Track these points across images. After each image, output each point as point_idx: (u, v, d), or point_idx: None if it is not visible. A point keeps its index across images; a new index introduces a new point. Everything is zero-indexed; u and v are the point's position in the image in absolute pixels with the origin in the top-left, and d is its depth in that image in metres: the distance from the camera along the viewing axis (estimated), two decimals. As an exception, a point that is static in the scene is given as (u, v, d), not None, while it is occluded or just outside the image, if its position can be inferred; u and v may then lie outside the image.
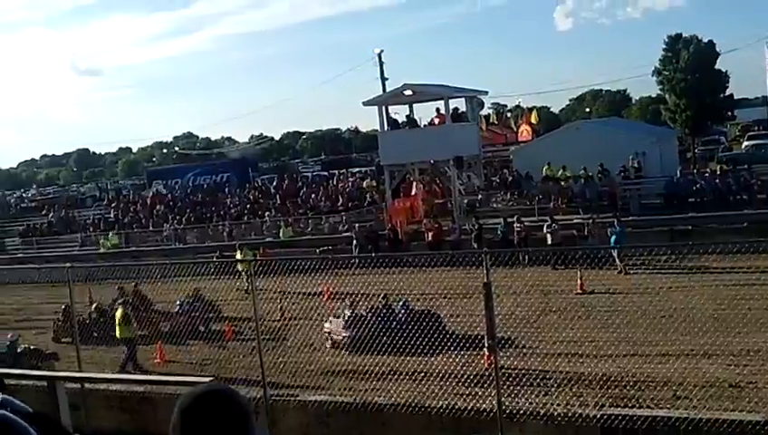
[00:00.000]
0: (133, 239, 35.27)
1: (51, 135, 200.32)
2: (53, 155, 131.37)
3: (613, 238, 20.91)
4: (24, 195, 69.16)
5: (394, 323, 14.36)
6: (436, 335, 11.99)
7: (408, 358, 12.21)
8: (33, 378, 9.34)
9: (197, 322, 15.65)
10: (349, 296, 15.82)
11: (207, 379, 7.81)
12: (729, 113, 44.99)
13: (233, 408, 2.15)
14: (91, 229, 37.95)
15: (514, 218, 24.75)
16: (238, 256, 22.69)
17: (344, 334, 14.53)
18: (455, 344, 12.08)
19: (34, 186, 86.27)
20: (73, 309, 11.90)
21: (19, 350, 14.90)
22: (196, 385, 6.25)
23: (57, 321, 17.09)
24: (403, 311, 14.54)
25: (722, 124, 49.55)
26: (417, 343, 11.74)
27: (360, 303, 15.47)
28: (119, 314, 14.93)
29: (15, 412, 2.39)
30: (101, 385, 10.11)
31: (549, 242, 22.48)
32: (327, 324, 15.08)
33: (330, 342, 14.81)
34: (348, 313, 15.03)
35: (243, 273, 18.86)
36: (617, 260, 19.14)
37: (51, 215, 43.29)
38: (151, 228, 36.19)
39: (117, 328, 14.78)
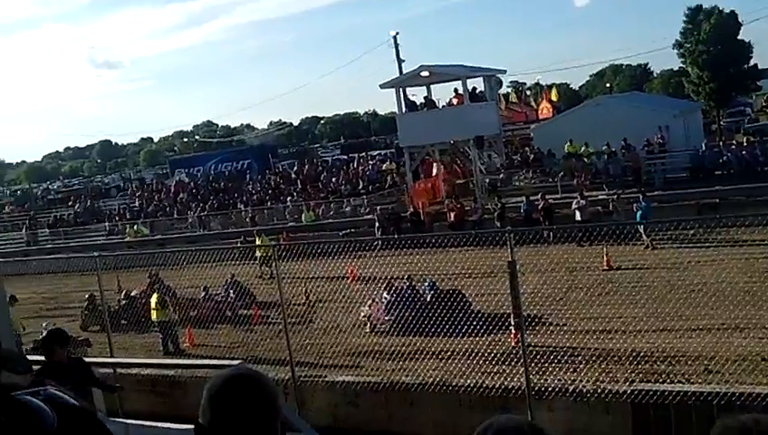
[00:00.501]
0: (158, 227, 35.58)
1: (73, 128, 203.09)
2: (76, 147, 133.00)
3: (639, 214, 20.67)
4: (49, 187, 70.09)
5: (418, 304, 14.37)
6: (462, 314, 11.97)
7: (434, 338, 12.21)
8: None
9: (224, 307, 15.80)
10: (375, 280, 15.72)
11: (236, 362, 7.87)
12: (754, 84, 44.13)
13: (260, 391, 2.16)
14: (117, 219, 38.37)
15: (539, 196, 24.53)
16: (257, 242, 22.77)
17: (385, 318, 14.28)
18: (482, 323, 12.04)
19: (60, 178, 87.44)
20: (103, 296, 12.04)
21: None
22: (225, 368, 6.31)
23: (84, 310, 17.34)
24: (431, 291, 14.44)
25: (747, 95, 48.68)
26: (447, 323, 11.72)
27: (395, 285, 15.19)
28: (154, 298, 15.24)
29: (58, 404, 2.40)
30: (133, 369, 10.25)
31: (578, 218, 22.19)
32: (365, 308, 14.75)
33: (369, 326, 14.43)
34: (387, 296, 14.71)
35: (260, 258, 19.05)
36: (643, 235, 18.91)
37: (77, 206, 43.86)
38: (176, 216, 36.52)
39: (153, 312, 15.08)
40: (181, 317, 15.61)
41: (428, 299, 14.23)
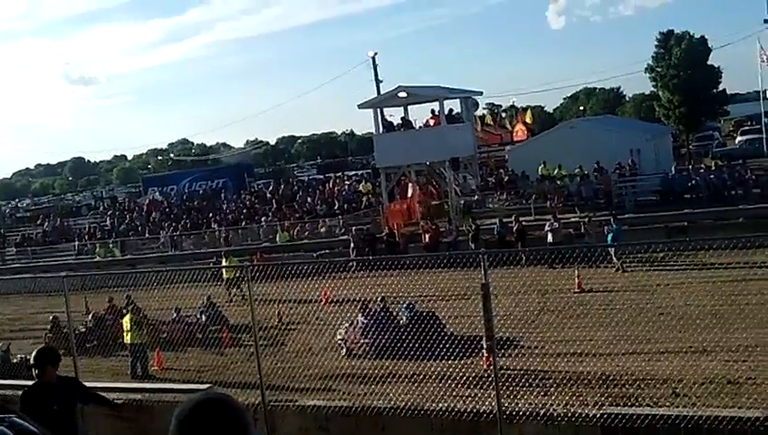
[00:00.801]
0: (129, 247, 35.17)
1: (45, 144, 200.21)
2: (48, 164, 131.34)
3: (610, 236, 20.91)
4: (18, 205, 69.03)
5: (392, 326, 14.32)
6: (437, 337, 11.95)
7: (408, 362, 12.17)
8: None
9: (195, 329, 15.60)
10: (349, 302, 15.65)
11: (205, 386, 7.78)
12: (722, 109, 45.13)
13: (230, 416, 2.14)
14: (87, 238, 37.86)
15: (512, 218, 24.74)
16: (224, 264, 22.40)
17: (362, 341, 14.13)
18: (456, 346, 12.04)
19: (29, 195, 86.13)
20: (70, 318, 11.83)
21: (14, 360, 14.81)
22: (193, 392, 6.15)
23: (48, 333, 16.78)
24: (409, 313, 14.36)
25: (715, 120, 49.72)
26: (423, 346, 11.69)
27: (369, 307, 15.09)
28: (127, 319, 14.97)
29: (19, 431, 2.38)
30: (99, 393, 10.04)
31: (550, 241, 22.41)
32: (341, 331, 14.62)
33: (345, 349, 14.31)
34: (362, 319, 14.62)
35: (227, 281, 18.87)
36: (614, 258, 19.14)
37: (46, 225, 43.19)
38: (147, 236, 36.12)
39: (127, 334, 14.82)
40: (151, 339, 15.39)
41: (404, 321, 14.17)
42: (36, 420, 5.53)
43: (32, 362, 6.08)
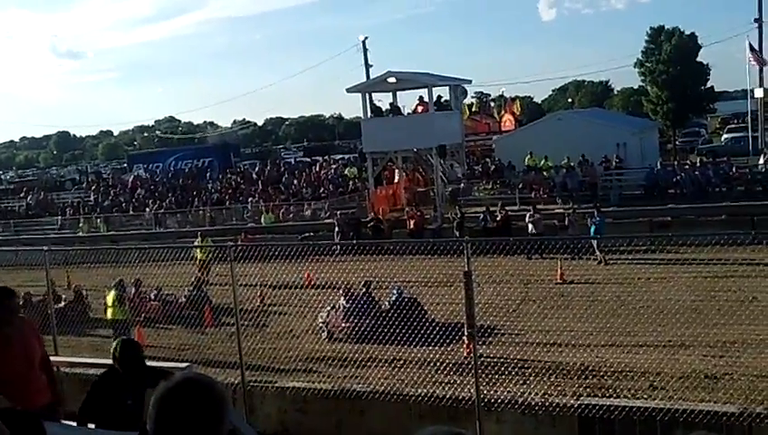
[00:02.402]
0: (113, 223, 34.90)
1: (30, 117, 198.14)
2: (33, 138, 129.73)
3: (593, 229, 21.04)
4: (2, 177, 68.20)
5: (374, 311, 14.33)
6: (418, 324, 11.99)
7: (389, 347, 12.20)
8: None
9: (174, 308, 15.52)
10: (332, 286, 15.62)
11: (184, 365, 7.74)
12: (710, 106, 45.37)
13: (208, 397, 2.14)
14: (71, 212, 37.51)
15: (498, 206, 24.82)
16: (197, 243, 22.10)
17: (343, 325, 14.12)
18: (436, 333, 12.09)
19: (13, 168, 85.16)
20: (49, 292, 11.73)
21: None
22: (173, 370, 6.06)
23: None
24: (398, 297, 14.34)
25: (702, 117, 49.99)
26: (405, 331, 11.71)
27: (352, 291, 15.03)
28: (111, 296, 14.86)
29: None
30: (78, 369, 9.98)
31: (531, 231, 22.52)
32: (323, 315, 14.57)
33: (326, 333, 14.29)
34: (344, 302, 14.59)
35: (200, 262, 18.77)
36: (596, 251, 19.27)
37: (29, 198, 42.70)
38: (131, 212, 35.86)
39: (109, 310, 14.72)
40: (133, 316, 15.30)
41: (388, 305, 14.17)
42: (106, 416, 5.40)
43: (117, 355, 5.66)
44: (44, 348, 6.15)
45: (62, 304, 15.91)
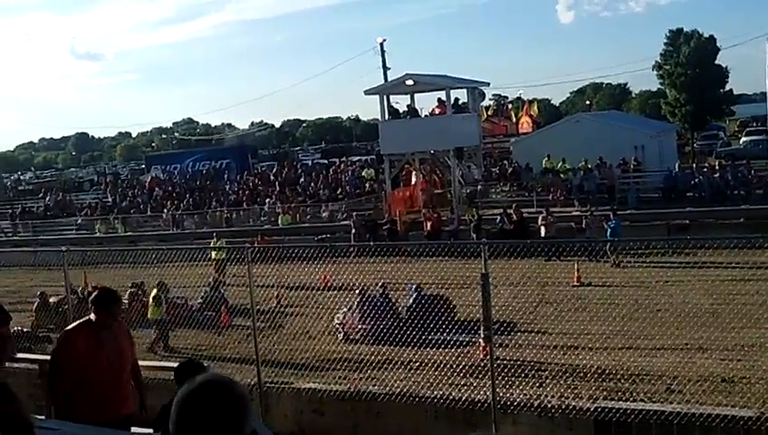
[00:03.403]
0: (130, 224, 35.22)
1: (50, 118, 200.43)
2: (52, 138, 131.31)
3: (609, 232, 20.92)
4: (21, 178, 69.01)
5: (390, 312, 14.35)
6: (448, 322, 12.03)
7: (403, 348, 12.22)
8: (25, 362, 9.35)
9: (185, 312, 15.57)
10: (349, 287, 15.60)
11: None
12: (728, 109, 44.96)
13: (230, 399, 2.13)
14: (89, 213, 37.89)
15: (513, 207, 24.79)
16: (212, 245, 22.08)
17: (360, 326, 14.08)
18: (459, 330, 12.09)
19: (32, 169, 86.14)
20: (68, 292, 11.86)
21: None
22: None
23: (36, 309, 16.40)
24: (415, 296, 14.34)
25: (721, 120, 49.57)
26: (423, 332, 11.74)
27: (369, 293, 14.92)
28: (152, 294, 15.04)
29: None
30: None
31: (543, 234, 22.43)
32: (339, 315, 14.58)
33: (342, 335, 14.25)
34: (360, 304, 14.45)
35: (215, 262, 18.86)
36: (608, 253, 19.21)
37: (48, 198, 43.20)
38: (149, 213, 36.16)
39: (149, 308, 14.89)
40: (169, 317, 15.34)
41: (409, 303, 14.19)
42: None
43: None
44: (135, 354, 5.93)
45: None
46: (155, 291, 15.10)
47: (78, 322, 5.27)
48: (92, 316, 5.22)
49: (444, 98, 29.15)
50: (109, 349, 5.23)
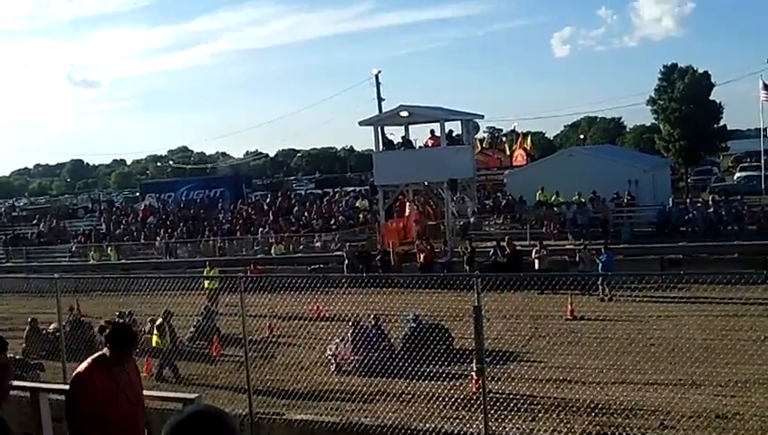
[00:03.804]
0: (123, 252, 35.08)
1: (45, 145, 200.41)
2: (47, 165, 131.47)
3: (600, 266, 20.95)
4: (15, 204, 68.86)
5: (383, 344, 14.28)
6: (444, 351, 12.00)
7: (395, 380, 12.14)
8: (17, 389, 9.23)
9: (178, 341, 15.45)
10: (341, 318, 15.55)
11: (193, 395, 7.73)
12: (722, 144, 45.34)
13: (220, 430, 2.12)
14: (82, 240, 37.75)
15: (506, 240, 24.84)
16: (206, 273, 22.15)
17: (352, 358, 14.04)
18: (452, 361, 12.03)
19: (26, 195, 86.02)
20: (60, 320, 11.78)
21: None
22: (182, 400, 5.96)
23: (27, 335, 16.35)
24: (413, 324, 14.31)
25: (715, 155, 49.95)
26: (415, 363, 11.68)
27: (361, 324, 14.95)
28: (157, 323, 14.92)
29: None
30: (85, 398, 9.99)
31: (537, 267, 22.45)
32: (331, 347, 14.50)
33: (334, 366, 14.21)
34: (353, 336, 14.40)
35: (208, 292, 18.80)
36: (599, 287, 19.24)
37: (41, 225, 43.06)
38: (143, 241, 36.05)
39: (153, 338, 14.76)
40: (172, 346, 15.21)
41: (406, 332, 14.16)
42: None
43: None
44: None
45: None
46: (160, 320, 14.97)
47: (89, 360, 5.10)
48: (106, 352, 5.09)
49: (438, 130, 29.36)
50: (124, 386, 5.13)
